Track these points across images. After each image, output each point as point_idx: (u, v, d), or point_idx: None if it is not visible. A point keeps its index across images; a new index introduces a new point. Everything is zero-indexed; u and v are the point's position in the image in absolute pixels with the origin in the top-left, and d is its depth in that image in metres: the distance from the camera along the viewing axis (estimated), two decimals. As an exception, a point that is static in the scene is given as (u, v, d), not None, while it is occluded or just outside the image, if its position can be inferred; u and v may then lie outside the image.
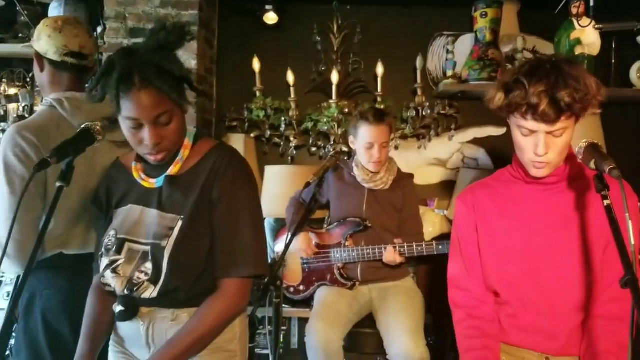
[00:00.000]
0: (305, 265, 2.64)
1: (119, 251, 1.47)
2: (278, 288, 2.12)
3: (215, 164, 1.49)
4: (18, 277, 2.42)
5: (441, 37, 3.24)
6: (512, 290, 1.49)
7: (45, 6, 3.09)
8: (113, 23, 2.91)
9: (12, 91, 3.12)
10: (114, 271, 1.46)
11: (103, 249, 1.50)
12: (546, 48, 3.12)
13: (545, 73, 1.28)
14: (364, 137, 2.48)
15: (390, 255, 2.42)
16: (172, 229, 1.44)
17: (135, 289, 1.42)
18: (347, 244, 2.54)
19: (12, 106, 3.10)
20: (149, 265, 1.43)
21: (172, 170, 1.49)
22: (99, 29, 2.94)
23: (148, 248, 1.45)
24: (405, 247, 2.41)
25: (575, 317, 1.44)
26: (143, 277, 1.43)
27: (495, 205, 1.54)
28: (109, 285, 1.48)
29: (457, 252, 1.60)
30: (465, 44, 3.13)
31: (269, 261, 2.59)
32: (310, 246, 2.59)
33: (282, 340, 2.64)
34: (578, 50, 2.88)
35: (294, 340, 3.14)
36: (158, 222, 1.47)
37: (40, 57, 1.88)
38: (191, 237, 1.45)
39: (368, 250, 2.49)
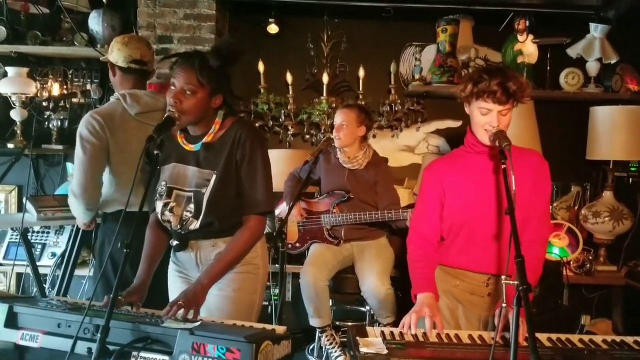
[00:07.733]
0: (301, 227, 3.20)
1: (169, 196, 1.94)
2: (283, 240, 2.74)
3: (237, 133, 1.91)
4: (73, 231, 3.01)
5: (411, 47, 3.76)
6: (467, 229, 1.94)
7: (86, 15, 3.50)
8: (144, 31, 3.39)
9: (55, 85, 3.62)
10: (171, 211, 1.94)
11: (157, 195, 1.98)
12: (495, 57, 3.68)
13: (498, 72, 1.83)
14: (335, 119, 3.06)
15: None
16: (209, 180, 1.90)
17: (184, 223, 1.92)
18: (334, 210, 3.06)
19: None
20: (192, 206, 1.91)
21: (207, 139, 1.92)
22: (133, 36, 3.44)
23: (191, 194, 1.91)
24: (379, 214, 2.93)
25: (505, 246, 1.86)
26: (188, 214, 1.92)
27: (452, 171, 1.99)
28: (168, 222, 1.94)
29: (421, 206, 2.06)
30: (430, 53, 3.63)
31: (275, 227, 3.11)
32: (300, 212, 3.16)
33: (277, 293, 2.94)
34: (520, 59, 3.42)
35: (288, 295, 3.69)
36: (198, 176, 1.91)
37: (112, 65, 2.39)
38: (222, 186, 1.90)
39: (350, 216, 3.00)
